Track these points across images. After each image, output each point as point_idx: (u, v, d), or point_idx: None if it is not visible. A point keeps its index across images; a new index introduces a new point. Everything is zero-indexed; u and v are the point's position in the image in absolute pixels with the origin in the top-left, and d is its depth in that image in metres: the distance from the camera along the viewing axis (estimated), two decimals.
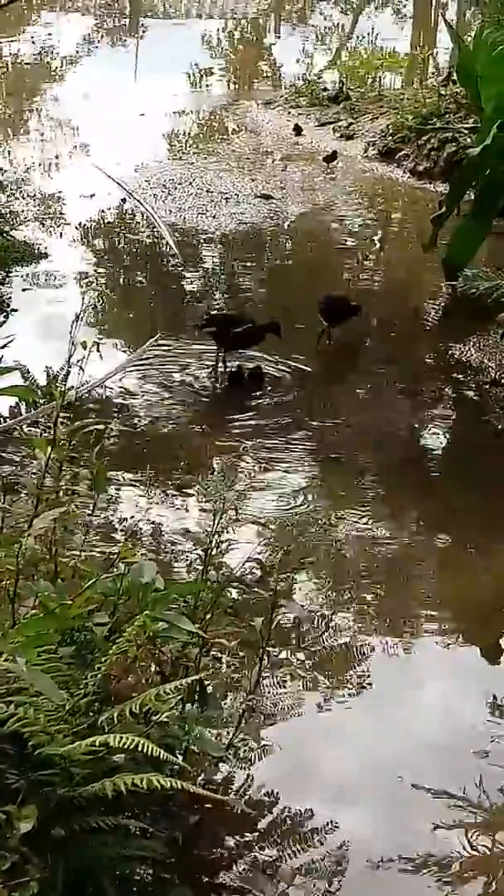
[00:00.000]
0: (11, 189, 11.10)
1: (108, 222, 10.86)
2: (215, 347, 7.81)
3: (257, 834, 4.00)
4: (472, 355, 8.18)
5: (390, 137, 12.93)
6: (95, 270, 9.65)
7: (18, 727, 3.15)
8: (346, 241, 10.73)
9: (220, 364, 7.79)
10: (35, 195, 11.21)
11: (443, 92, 13.12)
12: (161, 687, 3.36)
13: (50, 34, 18.71)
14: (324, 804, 4.15)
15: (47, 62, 17.53)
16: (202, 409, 7.38)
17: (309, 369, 7.85)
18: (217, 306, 8.89)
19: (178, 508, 6.09)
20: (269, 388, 7.65)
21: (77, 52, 18.19)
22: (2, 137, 13.63)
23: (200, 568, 4.05)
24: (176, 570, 5.42)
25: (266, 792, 4.16)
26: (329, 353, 8.23)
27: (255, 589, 4.17)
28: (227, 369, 7.78)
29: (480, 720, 4.71)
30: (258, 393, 7.59)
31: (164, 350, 8.01)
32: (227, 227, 10.58)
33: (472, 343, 8.33)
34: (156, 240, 10.26)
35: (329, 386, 7.87)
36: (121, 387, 7.49)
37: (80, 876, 3.19)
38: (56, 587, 3.60)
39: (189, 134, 14.12)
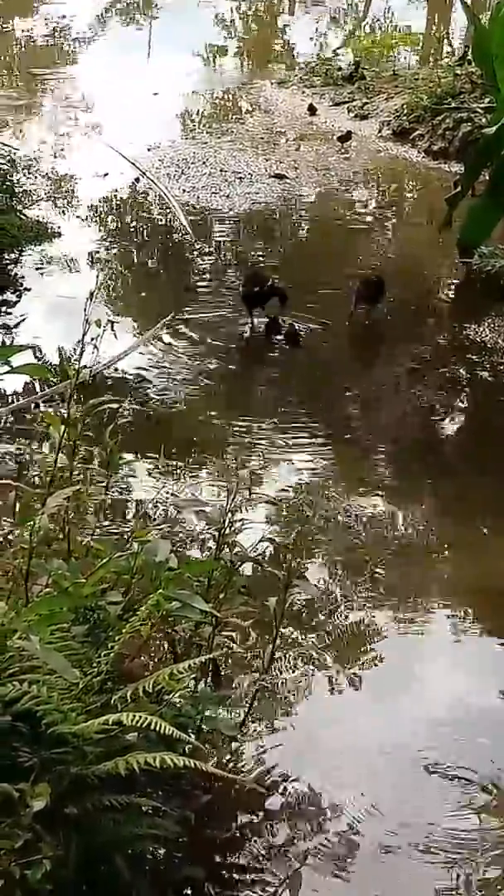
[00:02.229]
0: (25, 168, 11.06)
1: (122, 202, 10.82)
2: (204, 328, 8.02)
3: (269, 813, 4.00)
4: (486, 335, 8.15)
5: (405, 117, 12.86)
6: (108, 250, 9.61)
7: (32, 705, 3.15)
8: (360, 220, 10.67)
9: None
10: (48, 175, 11.17)
11: (458, 71, 13.04)
12: (174, 666, 3.36)
13: (63, 15, 18.62)
14: (335, 784, 4.15)
15: (60, 41, 17.45)
16: (217, 385, 7.35)
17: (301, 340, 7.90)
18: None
19: (192, 487, 6.07)
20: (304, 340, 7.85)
21: (90, 30, 18.11)
22: (15, 117, 13.57)
23: (214, 547, 4.04)
24: (189, 549, 5.41)
25: (278, 772, 4.16)
26: (343, 333, 8.20)
27: (269, 568, 4.15)
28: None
29: (492, 703, 4.71)
30: (276, 368, 7.59)
31: (178, 327, 8.00)
32: (240, 207, 10.53)
33: (486, 323, 8.29)
34: (169, 219, 10.23)
35: (342, 365, 7.85)
36: (134, 365, 7.48)
37: (93, 854, 3.20)
38: (69, 566, 3.59)
39: (202, 113, 14.05)
